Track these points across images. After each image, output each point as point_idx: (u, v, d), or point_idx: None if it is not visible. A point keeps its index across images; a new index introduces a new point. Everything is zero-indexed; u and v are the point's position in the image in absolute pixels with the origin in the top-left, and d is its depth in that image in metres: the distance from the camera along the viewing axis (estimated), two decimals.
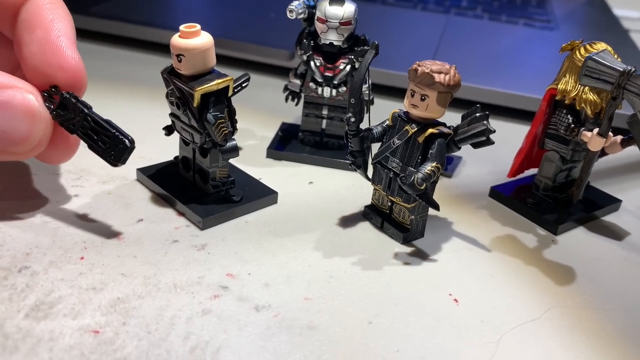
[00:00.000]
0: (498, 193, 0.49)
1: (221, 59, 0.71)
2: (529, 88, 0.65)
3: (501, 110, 0.65)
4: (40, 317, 0.32)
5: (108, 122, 0.37)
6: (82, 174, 0.46)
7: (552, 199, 0.47)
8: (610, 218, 0.48)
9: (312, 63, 0.49)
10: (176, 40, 0.38)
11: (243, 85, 0.48)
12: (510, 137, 0.54)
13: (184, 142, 0.44)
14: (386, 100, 0.65)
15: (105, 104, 0.51)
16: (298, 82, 0.51)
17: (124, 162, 0.37)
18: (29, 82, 0.37)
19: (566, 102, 0.44)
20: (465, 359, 0.32)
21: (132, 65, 0.69)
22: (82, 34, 0.75)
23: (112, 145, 0.37)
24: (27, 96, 0.35)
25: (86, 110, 0.37)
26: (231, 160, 0.48)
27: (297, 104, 0.52)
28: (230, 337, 0.32)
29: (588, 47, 0.43)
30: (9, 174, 0.44)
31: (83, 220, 0.40)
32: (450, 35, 0.79)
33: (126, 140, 0.37)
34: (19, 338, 0.31)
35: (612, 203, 0.49)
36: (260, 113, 0.60)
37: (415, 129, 0.39)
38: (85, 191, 0.44)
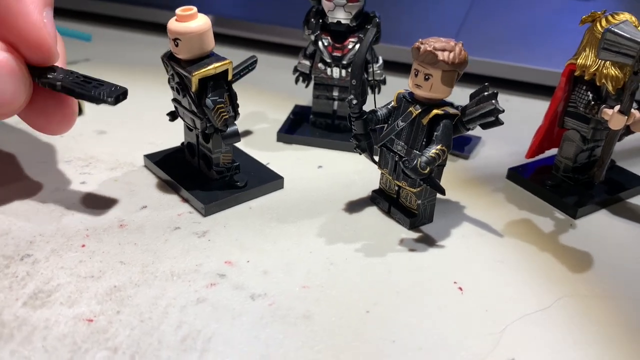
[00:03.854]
0: (516, 175, 0.47)
1: (235, 40, 0.71)
2: (558, 63, 0.61)
3: (529, 86, 0.63)
4: (38, 306, 0.32)
5: (99, 79, 0.37)
6: (91, 160, 0.46)
7: (572, 180, 0.45)
8: (636, 200, 0.45)
9: (320, 43, 0.47)
10: (172, 24, 0.38)
11: (250, 67, 0.47)
12: (535, 115, 0.51)
13: (188, 127, 0.43)
14: (406, 79, 0.63)
15: None
16: (307, 63, 0.49)
17: (118, 101, 0.35)
18: None
19: (586, 77, 0.41)
20: (466, 350, 0.31)
21: (143, 49, 0.69)
22: (96, 17, 0.75)
23: (107, 88, 0.36)
24: (5, 55, 0.34)
25: (73, 70, 0.36)
26: (241, 145, 0.48)
27: (307, 86, 0.51)
28: (222, 327, 0.32)
29: (610, 18, 0.40)
30: (17, 162, 0.45)
31: (88, 208, 0.41)
32: (478, 7, 0.76)
33: (123, 87, 0.36)
34: (15, 326, 0.31)
35: (639, 184, 0.46)
36: (274, 95, 0.59)
37: (419, 110, 0.38)
38: (92, 178, 0.44)
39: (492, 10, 0.76)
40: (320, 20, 0.48)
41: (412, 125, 0.38)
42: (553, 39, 0.68)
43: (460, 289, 0.35)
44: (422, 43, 0.36)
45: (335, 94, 0.50)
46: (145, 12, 0.73)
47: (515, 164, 0.48)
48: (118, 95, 0.36)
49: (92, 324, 0.31)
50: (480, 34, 0.68)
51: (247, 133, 0.52)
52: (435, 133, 0.37)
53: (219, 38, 0.67)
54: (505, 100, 0.61)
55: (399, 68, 0.63)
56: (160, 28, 0.72)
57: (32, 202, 0.41)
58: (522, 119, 0.56)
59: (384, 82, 0.49)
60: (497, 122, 0.37)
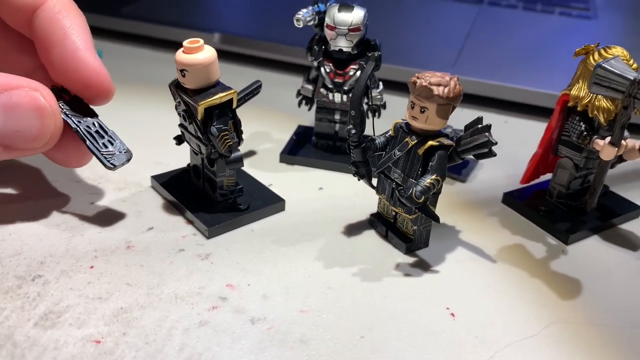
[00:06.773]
0: (511, 199, 0.48)
1: (240, 58, 0.72)
2: (558, 85, 0.63)
3: (528, 108, 0.64)
4: (48, 326, 0.34)
5: (113, 132, 0.40)
6: (100, 180, 0.47)
7: (565, 206, 0.46)
8: (628, 226, 0.46)
9: (322, 69, 0.49)
10: (179, 55, 0.39)
11: (254, 92, 0.48)
12: (534, 137, 0.51)
13: (193, 151, 0.45)
14: (406, 99, 0.64)
15: (126, 107, 0.52)
16: (310, 87, 0.51)
17: (118, 168, 0.40)
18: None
19: (579, 108, 0.43)
20: None
21: (153, 66, 0.71)
22: (109, 35, 0.77)
23: (115, 150, 0.40)
24: (33, 94, 0.37)
25: (97, 116, 0.40)
26: (244, 166, 0.49)
27: (310, 109, 0.53)
28: (223, 350, 0.33)
29: (602, 52, 0.41)
30: (29, 181, 0.47)
31: (96, 228, 0.42)
32: (480, 27, 0.77)
33: (129, 151, 0.40)
34: (27, 347, 0.33)
35: (632, 210, 0.47)
36: (280, 115, 0.60)
37: (415, 140, 0.39)
38: (101, 198, 0.45)
39: (494, 30, 0.78)
40: (323, 47, 0.49)
41: (409, 155, 0.39)
42: (554, 60, 0.69)
43: (452, 314, 0.37)
44: (418, 77, 0.38)
45: (337, 117, 0.51)
46: (156, 29, 0.74)
47: (511, 187, 0.49)
48: (122, 163, 0.40)
49: (99, 345, 0.33)
50: (481, 54, 0.69)
51: (251, 153, 0.53)
52: (431, 163, 0.38)
53: (225, 55, 0.69)
54: (504, 122, 0.62)
55: (400, 88, 0.65)
56: (171, 45, 0.74)
57: (43, 222, 0.42)
58: (521, 141, 0.57)
59: (384, 106, 0.51)
60: (490, 154, 0.39)
